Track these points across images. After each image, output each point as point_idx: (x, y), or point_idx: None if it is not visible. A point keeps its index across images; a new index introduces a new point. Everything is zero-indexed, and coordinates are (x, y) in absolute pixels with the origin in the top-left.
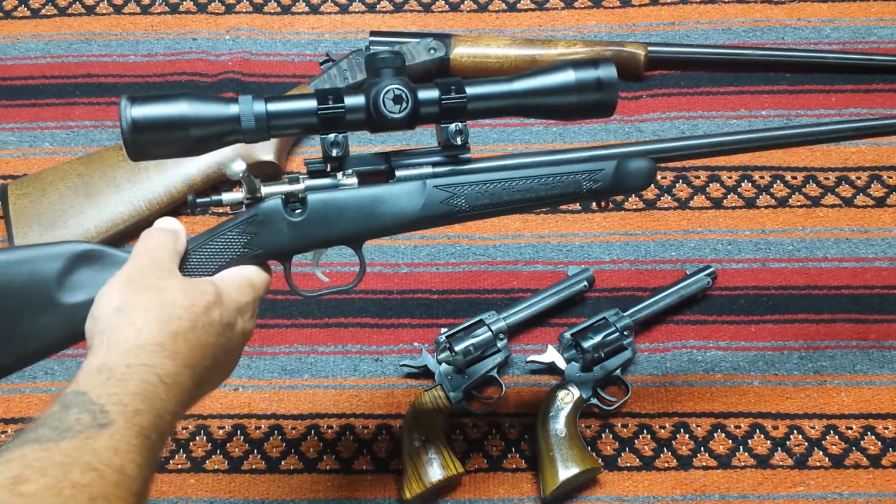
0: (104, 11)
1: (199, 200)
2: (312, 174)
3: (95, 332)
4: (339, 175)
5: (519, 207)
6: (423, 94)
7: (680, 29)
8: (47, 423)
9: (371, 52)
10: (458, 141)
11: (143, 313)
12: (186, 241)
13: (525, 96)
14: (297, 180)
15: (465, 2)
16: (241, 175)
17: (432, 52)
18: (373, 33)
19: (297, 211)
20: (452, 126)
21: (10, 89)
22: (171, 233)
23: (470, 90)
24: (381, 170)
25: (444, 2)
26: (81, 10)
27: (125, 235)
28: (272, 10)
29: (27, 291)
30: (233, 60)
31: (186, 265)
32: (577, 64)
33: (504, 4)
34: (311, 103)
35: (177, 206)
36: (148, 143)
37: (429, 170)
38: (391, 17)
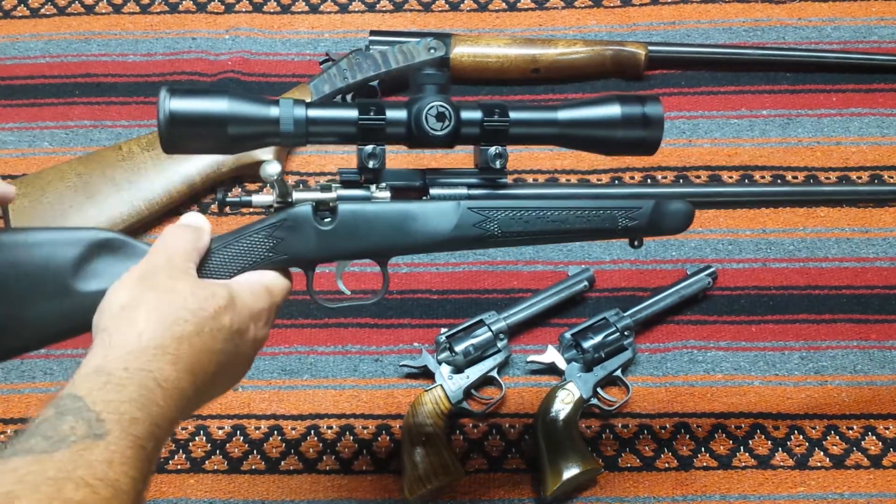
0: (103, 11)
1: (228, 199)
2: (345, 184)
3: (100, 327)
4: (373, 188)
5: (552, 238)
6: (466, 115)
7: (680, 28)
8: (41, 430)
9: (418, 69)
10: (497, 164)
11: (147, 314)
12: (210, 240)
13: (569, 126)
14: (329, 188)
15: (465, 1)
16: (274, 177)
17: (432, 51)
18: (372, 32)
19: (327, 220)
20: (492, 149)
21: (9, 89)
22: (193, 230)
23: (513, 115)
24: (415, 186)
25: (444, 1)
26: (80, 10)
27: None
28: (272, 10)
29: (41, 275)
30: (232, 60)
31: (208, 265)
32: (623, 98)
33: (504, 4)
34: (353, 112)
35: (175, 207)
36: (183, 136)
37: (464, 191)
38: (391, 16)
